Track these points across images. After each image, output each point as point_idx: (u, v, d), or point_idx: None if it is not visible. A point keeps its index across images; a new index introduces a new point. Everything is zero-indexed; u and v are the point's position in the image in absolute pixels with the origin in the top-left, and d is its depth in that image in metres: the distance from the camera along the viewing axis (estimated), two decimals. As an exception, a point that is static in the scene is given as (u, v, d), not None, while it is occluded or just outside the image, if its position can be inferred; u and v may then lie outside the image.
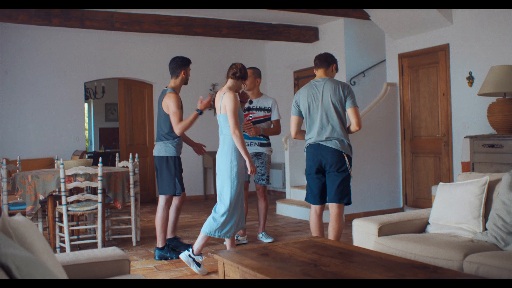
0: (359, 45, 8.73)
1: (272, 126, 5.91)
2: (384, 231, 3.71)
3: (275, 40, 9.37)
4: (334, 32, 8.79)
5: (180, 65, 5.35)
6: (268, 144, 5.93)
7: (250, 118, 5.79)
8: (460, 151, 6.64)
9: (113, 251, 2.93)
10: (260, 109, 5.86)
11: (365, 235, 3.78)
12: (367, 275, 2.56)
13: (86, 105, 13.95)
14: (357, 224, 3.89)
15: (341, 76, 8.67)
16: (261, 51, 10.67)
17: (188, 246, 5.41)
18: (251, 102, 5.86)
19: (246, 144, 5.49)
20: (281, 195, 9.77)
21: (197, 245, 4.58)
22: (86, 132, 14.09)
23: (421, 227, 3.89)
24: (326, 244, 3.27)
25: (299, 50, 9.62)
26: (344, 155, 4.47)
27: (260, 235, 5.95)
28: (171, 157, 5.20)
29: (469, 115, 6.68)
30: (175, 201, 5.43)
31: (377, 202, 7.52)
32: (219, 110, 4.56)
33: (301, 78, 9.95)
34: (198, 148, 5.64)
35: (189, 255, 4.57)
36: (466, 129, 6.69)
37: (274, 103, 5.91)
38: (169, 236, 5.48)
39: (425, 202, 7.31)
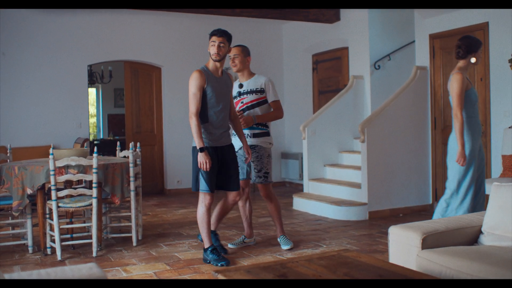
0: (384, 25, 7.97)
1: (272, 110, 4.93)
2: (428, 242, 3.01)
3: (292, 20, 8.63)
4: (357, 11, 8.03)
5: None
6: (265, 134, 4.90)
7: (242, 104, 4.87)
8: (501, 143, 5.91)
9: (89, 271, 2.30)
10: (251, 92, 4.86)
11: (405, 246, 3.08)
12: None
13: (94, 90, 13.38)
14: (394, 232, 3.19)
15: (365, 59, 7.95)
16: (278, 33, 9.92)
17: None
18: (241, 85, 4.93)
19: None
20: (298, 188, 9.09)
21: None
22: (94, 118, 13.52)
23: (473, 237, 3.19)
24: (360, 261, 2.59)
25: (318, 31, 8.87)
26: None
27: (279, 239, 5.13)
28: (194, 147, 4.45)
29: (511, 102, 5.94)
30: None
31: (404, 198, 6.81)
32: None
33: (320, 62, 9.21)
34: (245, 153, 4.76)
35: None
36: (507, 118, 5.95)
37: (268, 82, 4.87)
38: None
39: (459, 199, 6.59)
